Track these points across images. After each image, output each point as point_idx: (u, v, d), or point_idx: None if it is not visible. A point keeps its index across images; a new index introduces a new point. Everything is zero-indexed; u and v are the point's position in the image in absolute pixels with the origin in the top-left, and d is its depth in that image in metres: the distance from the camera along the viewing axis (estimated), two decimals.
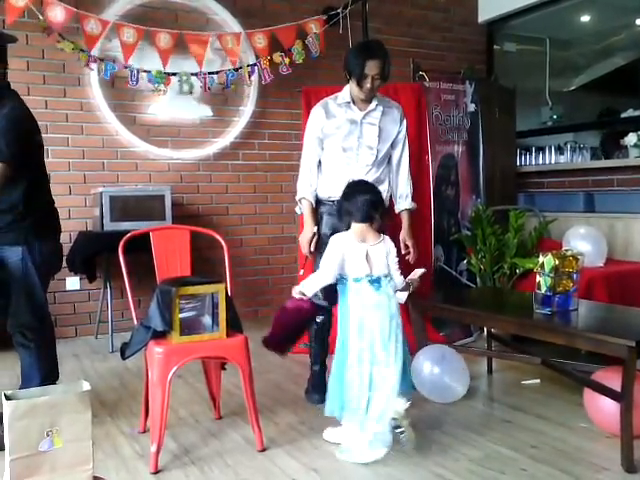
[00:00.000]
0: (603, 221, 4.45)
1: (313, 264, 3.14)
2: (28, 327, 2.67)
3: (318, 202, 3.13)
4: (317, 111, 3.07)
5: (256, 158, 5.29)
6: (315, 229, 3.07)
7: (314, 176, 3.09)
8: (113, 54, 4.64)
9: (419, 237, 4.23)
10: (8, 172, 2.53)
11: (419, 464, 2.40)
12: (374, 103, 3.03)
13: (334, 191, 3.03)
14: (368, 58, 2.86)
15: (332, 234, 3.03)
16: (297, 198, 3.14)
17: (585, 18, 6.18)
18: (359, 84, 2.91)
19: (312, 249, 3.08)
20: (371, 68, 2.86)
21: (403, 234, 3.17)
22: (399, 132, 3.12)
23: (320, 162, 3.11)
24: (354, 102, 3.03)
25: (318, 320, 3.13)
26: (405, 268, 2.67)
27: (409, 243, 3.16)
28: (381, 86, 2.99)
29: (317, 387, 3.15)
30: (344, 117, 3.03)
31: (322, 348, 3.20)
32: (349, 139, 3.02)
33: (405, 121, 3.16)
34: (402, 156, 3.16)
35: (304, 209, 3.10)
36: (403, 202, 3.18)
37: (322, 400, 3.07)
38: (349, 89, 3.02)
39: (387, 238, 2.58)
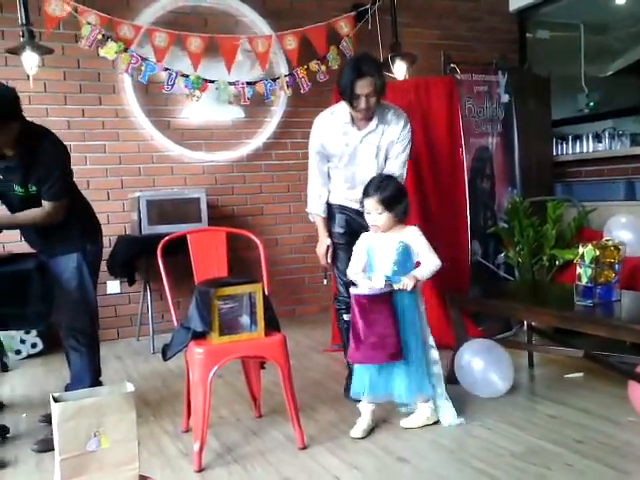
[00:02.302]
0: None
1: (333, 269, 3.19)
2: (82, 331, 2.78)
3: (329, 205, 3.13)
4: (317, 128, 3.02)
5: (289, 157, 5.31)
6: (329, 241, 3.10)
7: (322, 190, 3.08)
8: (147, 57, 4.69)
9: (455, 231, 4.23)
10: (66, 204, 2.69)
11: (461, 460, 2.38)
12: (374, 123, 2.92)
13: (344, 202, 3.08)
14: (357, 78, 2.75)
15: (345, 232, 3.07)
16: (307, 210, 3.17)
17: (620, 1, 6.02)
18: (352, 105, 2.82)
19: (329, 260, 3.12)
20: (361, 87, 2.75)
21: None
22: (398, 138, 2.96)
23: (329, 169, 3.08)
24: (353, 121, 2.93)
25: (347, 318, 3.10)
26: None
27: None
28: (378, 101, 2.85)
29: None
30: (342, 141, 2.94)
31: None
32: (348, 168, 2.99)
33: (409, 126, 3.00)
34: (399, 155, 2.98)
35: (317, 223, 3.13)
36: None
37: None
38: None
39: None
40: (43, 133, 2.68)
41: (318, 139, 3.02)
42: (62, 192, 2.67)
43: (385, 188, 2.62)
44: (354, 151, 2.96)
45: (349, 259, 3.06)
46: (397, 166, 2.98)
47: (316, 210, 3.10)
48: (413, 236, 2.64)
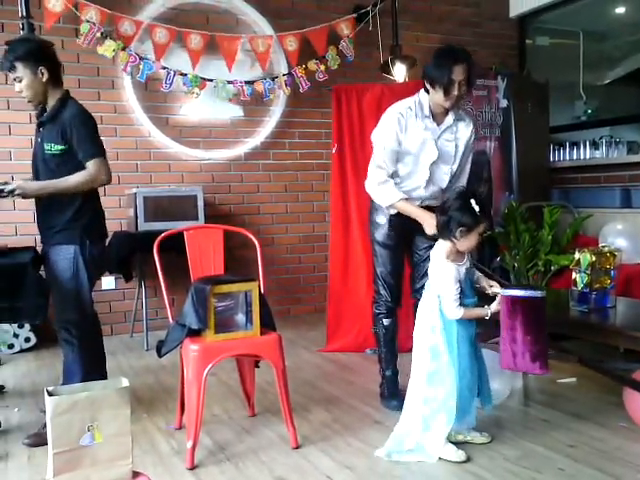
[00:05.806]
0: None
1: (375, 270, 3.08)
2: (73, 323, 2.74)
3: (377, 207, 2.99)
4: (395, 122, 2.83)
5: (287, 157, 5.31)
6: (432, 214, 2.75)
7: (392, 181, 2.87)
8: (145, 56, 4.70)
9: None
10: (106, 162, 2.73)
11: (454, 462, 2.38)
12: (451, 118, 2.85)
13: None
14: (454, 63, 2.69)
15: (395, 234, 2.95)
16: (386, 204, 2.88)
17: (620, 10, 6.05)
18: (446, 91, 2.71)
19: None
20: (458, 73, 2.69)
21: None
22: (468, 142, 2.93)
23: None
24: (433, 115, 2.84)
25: (386, 323, 3.04)
26: None
27: None
28: (468, 91, 2.82)
29: (394, 393, 3.01)
30: (421, 135, 2.83)
31: (392, 352, 3.08)
32: (425, 158, 2.86)
33: (474, 132, 2.97)
34: (466, 166, 2.99)
35: (407, 208, 2.85)
36: None
37: (401, 406, 2.69)
38: (429, 99, 2.81)
39: None
40: (75, 101, 2.79)
41: (395, 134, 2.82)
42: (99, 149, 2.71)
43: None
44: (431, 147, 2.85)
45: (394, 261, 2.99)
46: (465, 180, 2.97)
47: (396, 196, 2.83)
48: None
